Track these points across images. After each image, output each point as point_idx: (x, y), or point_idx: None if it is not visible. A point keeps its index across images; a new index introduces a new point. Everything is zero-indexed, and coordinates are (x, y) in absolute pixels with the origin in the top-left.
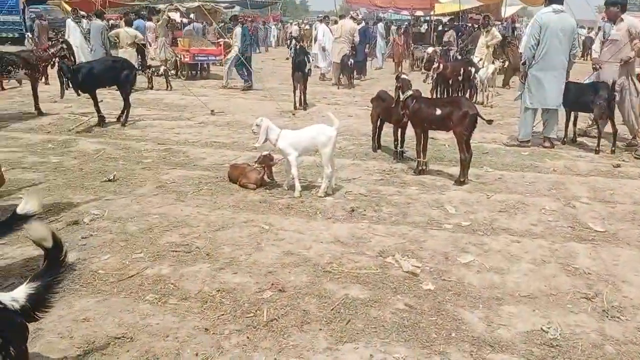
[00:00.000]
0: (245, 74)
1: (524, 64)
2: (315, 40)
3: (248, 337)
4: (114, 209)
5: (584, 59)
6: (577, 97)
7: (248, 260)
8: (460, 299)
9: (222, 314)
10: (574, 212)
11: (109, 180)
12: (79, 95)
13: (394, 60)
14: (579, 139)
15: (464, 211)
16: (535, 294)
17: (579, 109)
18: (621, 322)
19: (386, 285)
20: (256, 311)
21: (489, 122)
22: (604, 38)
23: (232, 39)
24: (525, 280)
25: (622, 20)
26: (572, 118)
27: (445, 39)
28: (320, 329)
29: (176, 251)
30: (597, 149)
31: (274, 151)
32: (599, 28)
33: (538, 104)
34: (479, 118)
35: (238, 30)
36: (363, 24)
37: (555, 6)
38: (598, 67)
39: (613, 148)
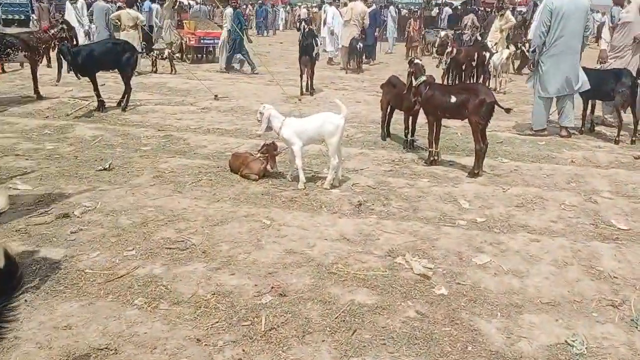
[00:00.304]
0: (246, 58)
1: (533, 51)
2: (324, 23)
3: (244, 350)
4: (107, 201)
5: (597, 45)
6: (596, 85)
7: (247, 260)
8: (477, 306)
9: (217, 322)
10: (596, 207)
11: (104, 169)
12: (79, 78)
13: (406, 45)
14: (597, 128)
15: (478, 206)
16: (558, 300)
17: (598, 97)
18: None
19: (395, 290)
20: (254, 318)
21: (507, 110)
22: (612, 23)
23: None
24: (547, 285)
25: (629, 1)
26: (589, 106)
27: (465, 22)
28: (324, 340)
29: (170, 248)
30: (617, 139)
31: (278, 139)
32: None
33: (550, 92)
34: (496, 106)
35: (229, 11)
36: (374, 6)
37: None
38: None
39: (633, 138)
